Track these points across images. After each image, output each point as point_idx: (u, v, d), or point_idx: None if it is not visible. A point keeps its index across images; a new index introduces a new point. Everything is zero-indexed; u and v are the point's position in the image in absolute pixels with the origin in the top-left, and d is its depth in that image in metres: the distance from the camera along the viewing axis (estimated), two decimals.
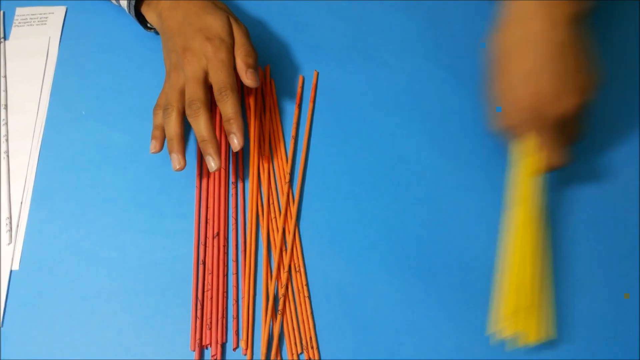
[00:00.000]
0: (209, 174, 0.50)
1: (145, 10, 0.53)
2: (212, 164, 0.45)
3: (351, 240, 0.48)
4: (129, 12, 0.53)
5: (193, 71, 0.46)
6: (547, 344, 0.44)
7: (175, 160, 0.45)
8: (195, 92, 0.45)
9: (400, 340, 0.44)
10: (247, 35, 0.50)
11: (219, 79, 0.46)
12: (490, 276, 0.46)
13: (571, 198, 0.51)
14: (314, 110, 0.54)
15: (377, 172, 0.51)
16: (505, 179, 0.51)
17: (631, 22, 0.61)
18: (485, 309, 0.45)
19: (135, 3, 0.51)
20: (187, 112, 0.45)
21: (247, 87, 0.54)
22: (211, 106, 0.47)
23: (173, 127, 0.45)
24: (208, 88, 0.47)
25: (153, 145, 0.46)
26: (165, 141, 0.46)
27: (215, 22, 0.48)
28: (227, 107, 0.46)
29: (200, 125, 0.45)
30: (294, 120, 0.53)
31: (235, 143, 0.45)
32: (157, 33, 0.56)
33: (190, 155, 0.51)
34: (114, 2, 0.54)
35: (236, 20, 0.51)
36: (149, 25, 0.54)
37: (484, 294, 0.46)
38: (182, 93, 0.46)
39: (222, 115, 0.46)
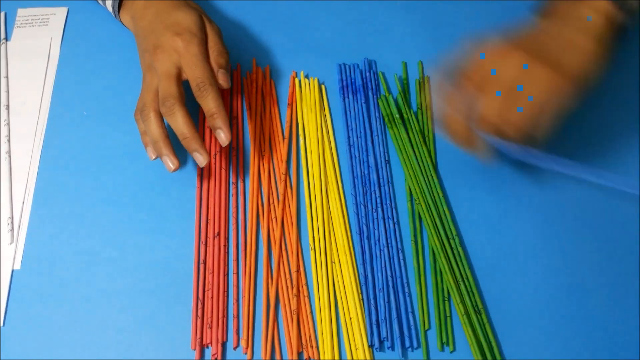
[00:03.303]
0: (209, 173, 0.50)
1: (121, 14, 0.53)
2: (200, 158, 0.44)
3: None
4: (116, 18, 0.53)
5: (164, 68, 0.44)
6: (547, 344, 0.44)
7: (168, 161, 0.44)
8: (167, 89, 0.43)
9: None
10: (220, 34, 0.49)
11: (195, 74, 0.44)
12: None
13: (571, 198, 0.51)
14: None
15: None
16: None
17: None
18: None
19: (119, 7, 0.52)
20: (162, 110, 0.43)
21: (247, 89, 0.54)
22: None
23: (155, 129, 0.44)
24: (181, 83, 0.45)
25: (151, 151, 0.46)
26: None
27: (185, 17, 0.47)
28: (209, 102, 0.44)
29: (178, 122, 0.43)
30: (287, 119, 0.53)
31: (223, 137, 0.44)
32: None
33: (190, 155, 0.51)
34: (100, 2, 0.54)
35: (209, 19, 0.50)
36: None
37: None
38: (157, 93, 0.45)
39: (205, 111, 0.45)
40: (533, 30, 0.44)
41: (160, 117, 0.45)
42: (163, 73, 0.44)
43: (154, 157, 0.46)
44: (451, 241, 0.47)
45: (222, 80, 0.46)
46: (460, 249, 0.47)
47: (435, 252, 0.47)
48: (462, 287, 0.45)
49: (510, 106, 0.41)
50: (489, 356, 0.43)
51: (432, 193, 0.50)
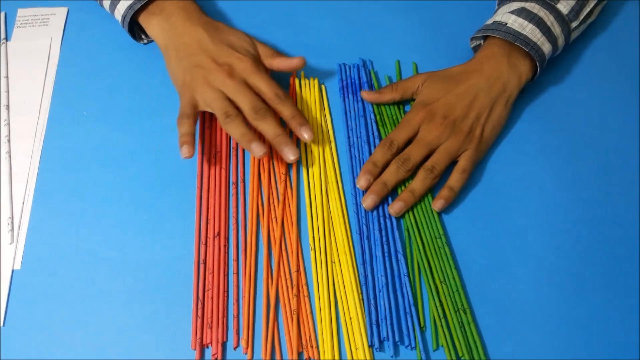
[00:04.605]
0: (209, 174, 0.50)
1: (146, 21, 0.53)
2: (290, 152, 0.47)
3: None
4: (123, 26, 0.53)
5: (239, 83, 0.49)
6: (548, 344, 0.44)
7: (259, 146, 0.47)
8: (257, 99, 0.49)
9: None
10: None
11: (271, 86, 0.50)
12: None
13: (571, 198, 0.51)
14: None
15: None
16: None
17: (631, 22, 0.61)
18: None
19: (133, 13, 0.52)
20: (255, 117, 0.48)
21: None
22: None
23: (243, 126, 0.48)
24: None
25: (187, 150, 0.46)
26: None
27: (241, 42, 0.52)
28: (288, 107, 0.49)
29: (271, 125, 0.48)
30: None
31: (308, 133, 0.49)
32: (145, 43, 0.57)
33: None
34: (107, 9, 0.54)
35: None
36: (137, 33, 0.55)
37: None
38: (230, 101, 0.49)
39: (285, 116, 0.49)
40: (466, 83, 0.52)
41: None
42: (242, 87, 0.49)
43: (188, 156, 0.46)
44: (437, 240, 0.47)
45: (298, 60, 0.52)
46: (447, 249, 0.47)
47: (415, 253, 0.47)
48: (445, 288, 0.45)
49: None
50: (466, 356, 0.43)
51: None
